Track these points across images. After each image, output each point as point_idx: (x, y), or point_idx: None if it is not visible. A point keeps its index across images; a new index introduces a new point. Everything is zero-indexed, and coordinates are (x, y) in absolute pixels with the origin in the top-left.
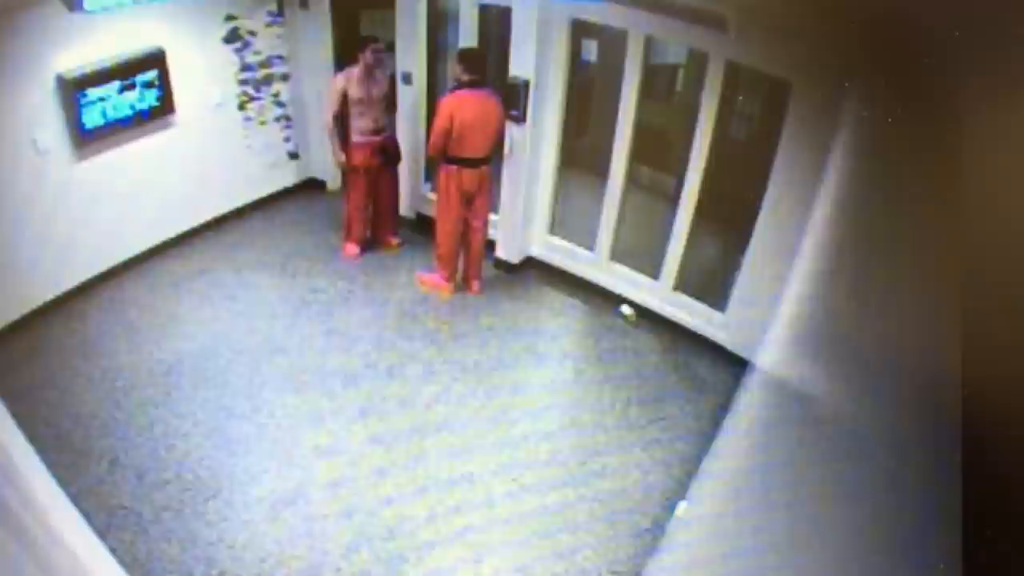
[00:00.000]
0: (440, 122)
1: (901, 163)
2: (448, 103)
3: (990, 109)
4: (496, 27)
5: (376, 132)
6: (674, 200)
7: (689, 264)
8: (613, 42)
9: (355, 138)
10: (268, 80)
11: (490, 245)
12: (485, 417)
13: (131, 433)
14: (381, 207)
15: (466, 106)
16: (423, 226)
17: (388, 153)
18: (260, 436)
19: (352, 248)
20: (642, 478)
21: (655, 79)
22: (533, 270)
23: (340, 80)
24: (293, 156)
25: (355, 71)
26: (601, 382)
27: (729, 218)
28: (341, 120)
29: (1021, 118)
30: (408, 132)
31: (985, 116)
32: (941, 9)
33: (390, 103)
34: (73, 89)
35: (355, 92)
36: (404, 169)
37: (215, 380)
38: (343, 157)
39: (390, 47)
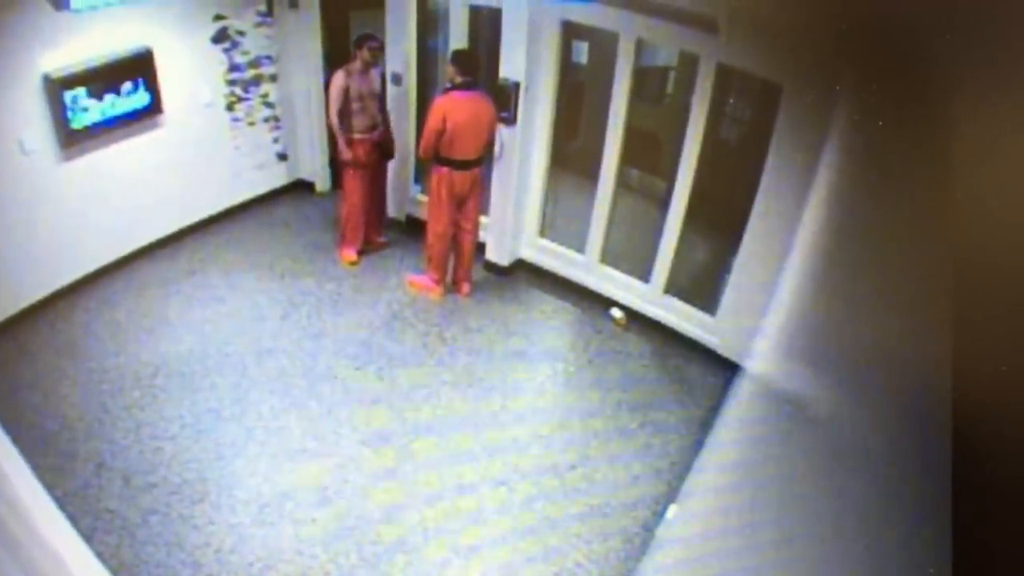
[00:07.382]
0: (432, 123)
1: (892, 166)
2: (441, 104)
3: (981, 112)
4: (487, 28)
5: (373, 128)
6: (665, 203)
7: (680, 267)
8: (604, 44)
9: (354, 135)
10: (257, 80)
11: (480, 247)
12: (474, 420)
13: (117, 436)
14: (371, 204)
15: (459, 108)
16: (412, 228)
17: (385, 148)
18: (248, 439)
19: (350, 254)
20: (632, 481)
21: (646, 81)
22: (523, 273)
23: (341, 77)
24: (282, 157)
25: (354, 68)
26: (591, 385)
27: (720, 221)
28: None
29: (1012, 121)
30: (397, 133)
31: (976, 119)
32: (932, 11)
33: (382, 100)
34: (60, 89)
35: (355, 89)
36: (393, 171)
37: (202, 383)
38: (350, 154)
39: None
